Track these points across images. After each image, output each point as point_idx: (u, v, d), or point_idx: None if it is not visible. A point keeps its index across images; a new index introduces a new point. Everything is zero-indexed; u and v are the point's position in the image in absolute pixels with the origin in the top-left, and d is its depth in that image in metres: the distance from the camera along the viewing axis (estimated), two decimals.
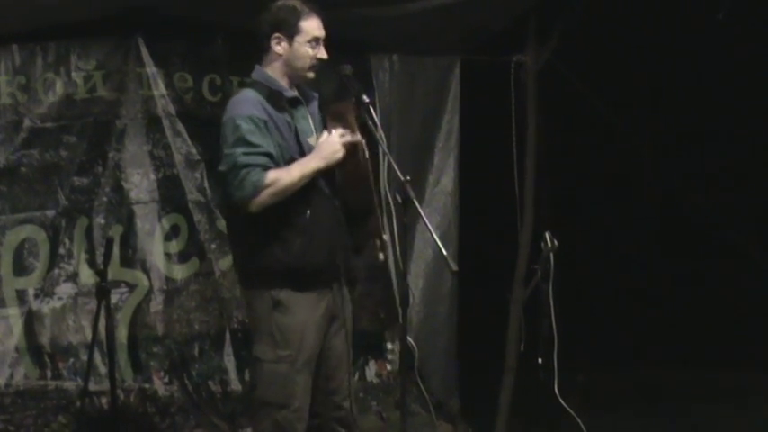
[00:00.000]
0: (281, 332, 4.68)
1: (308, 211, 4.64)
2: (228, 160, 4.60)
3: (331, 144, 4.63)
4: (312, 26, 4.72)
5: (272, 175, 4.53)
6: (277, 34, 4.72)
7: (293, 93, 4.76)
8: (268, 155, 4.57)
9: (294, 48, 4.72)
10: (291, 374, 4.68)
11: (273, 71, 4.77)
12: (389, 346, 4.78)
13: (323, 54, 4.75)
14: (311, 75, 4.78)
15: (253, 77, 4.83)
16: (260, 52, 4.86)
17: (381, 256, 4.86)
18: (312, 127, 4.80)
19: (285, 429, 4.69)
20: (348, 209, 4.76)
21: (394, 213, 4.82)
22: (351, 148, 4.65)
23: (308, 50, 4.71)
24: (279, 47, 4.73)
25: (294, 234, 4.64)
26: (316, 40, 4.72)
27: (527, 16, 6.83)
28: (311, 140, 4.74)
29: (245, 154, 4.55)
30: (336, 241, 4.75)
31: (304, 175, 4.59)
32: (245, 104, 4.69)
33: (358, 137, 4.71)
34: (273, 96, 4.70)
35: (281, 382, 4.69)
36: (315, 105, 4.87)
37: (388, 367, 4.80)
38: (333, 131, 4.66)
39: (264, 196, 4.53)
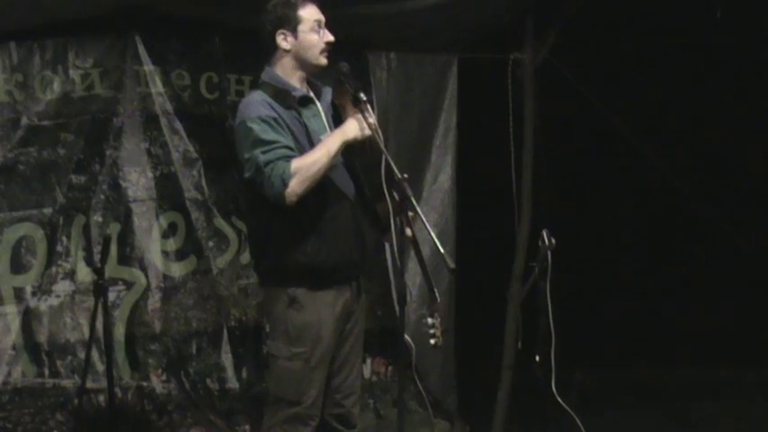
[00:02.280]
0: (296, 329, 4.69)
1: (323, 210, 4.65)
2: (251, 164, 4.59)
3: (359, 121, 4.62)
4: (311, 12, 4.72)
5: (296, 162, 4.52)
6: (281, 30, 4.71)
7: (302, 91, 4.75)
8: (287, 147, 4.57)
9: (300, 38, 4.71)
10: (305, 372, 4.69)
11: (283, 69, 4.76)
12: (430, 321, 4.76)
13: (329, 37, 4.73)
14: (324, 60, 4.74)
15: (261, 78, 4.82)
16: (267, 54, 4.83)
17: (408, 231, 4.83)
18: (325, 123, 4.79)
19: (297, 426, 4.71)
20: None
21: (392, 211, 4.80)
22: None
23: (315, 36, 4.71)
24: (285, 42, 4.72)
25: (309, 233, 4.64)
26: (318, 24, 4.72)
27: (524, 14, 6.83)
28: (324, 137, 4.72)
29: (264, 152, 4.55)
30: (353, 240, 4.75)
31: (330, 152, 4.56)
32: (253, 106, 4.68)
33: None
34: (280, 95, 4.69)
35: (295, 379, 4.70)
36: (327, 99, 4.86)
37: (432, 342, 4.78)
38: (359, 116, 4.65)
39: (295, 185, 4.51)
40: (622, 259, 8.84)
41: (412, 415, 6.64)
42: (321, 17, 4.73)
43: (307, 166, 4.53)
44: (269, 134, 4.58)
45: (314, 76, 4.84)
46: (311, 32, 4.70)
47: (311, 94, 4.80)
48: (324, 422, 4.85)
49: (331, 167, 4.64)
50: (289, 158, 4.53)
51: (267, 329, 4.87)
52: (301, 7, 4.71)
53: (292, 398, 4.71)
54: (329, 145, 4.58)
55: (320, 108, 4.80)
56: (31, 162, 6.09)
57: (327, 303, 4.72)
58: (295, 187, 4.51)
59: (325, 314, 4.72)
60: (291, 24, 4.70)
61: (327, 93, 4.88)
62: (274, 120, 4.61)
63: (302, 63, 4.74)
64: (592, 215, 8.70)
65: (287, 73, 4.75)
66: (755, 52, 8.07)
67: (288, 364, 4.72)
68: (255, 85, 4.92)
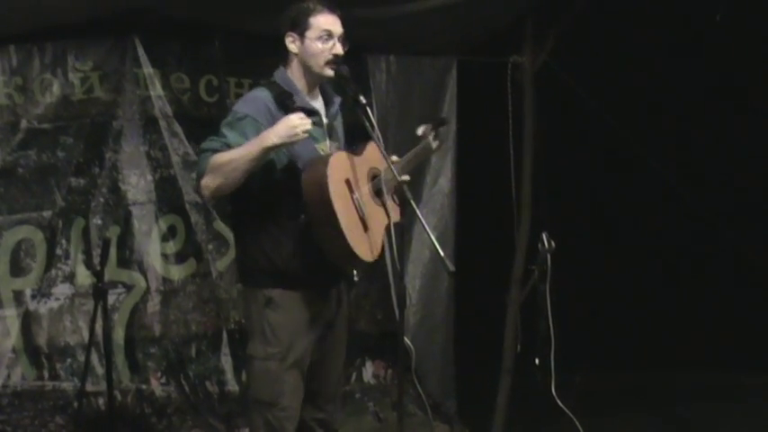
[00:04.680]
0: (272, 329, 4.68)
1: (303, 216, 4.64)
2: None
3: (286, 123, 4.52)
4: (321, 21, 4.70)
5: (213, 158, 4.51)
6: (290, 33, 4.72)
7: (304, 100, 4.73)
8: (228, 145, 4.54)
9: (306, 45, 4.70)
10: (280, 372, 4.68)
11: (292, 72, 4.76)
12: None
13: (337, 49, 4.70)
14: (329, 71, 4.71)
15: (273, 76, 4.81)
16: (277, 56, 4.83)
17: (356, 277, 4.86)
18: (325, 132, 4.78)
19: (275, 428, 4.69)
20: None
21: (391, 215, 4.81)
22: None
23: (319, 45, 4.68)
24: (293, 45, 4.72)
25: (287, 237, 4.64)
26: (327, 34, 4.68)
27: (524, 17, 6.83)
28: (319, 147, 4.72)
29: (210, 140, 4.59)
30: None
31: (250, 153, 4.48)
32: (245, 102, 4.74)
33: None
34: (282, 95, 4.70)
35: (271, 380, 4.69)
36: (334, 108, 4.84)
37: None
38: (293, 114, 4.58)
39: (208, 180, 4.52)
40: (621, 261, 8.84)
41: (411, 418, 6.65)
42: (333, 28, 4.70)
43: (220, 163, 4.50)
44: (229, 128, 4.59)
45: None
46: (317, 41, 4.68)
47: (314, 105, 4.77)
48: (306, 426, 4.84)
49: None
50: (217, 152, 4.53)
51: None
52: (315, 14, 4.69)
53: (269, 399, 4.69)
54: (249, 147, 4.52)
55: (323, 117, 4.78)
56: (31, 165, 6.09)
57: (302, 305, 4.71)
58: (207, 181, 4.53)
59: (300, 316, 4.70)
60: (300, 29, 4.69)
61: (335, 102, 4.86)
62: (254, 123, 4.59)
63: (307, 70, 4.73)
64: (591, 218, 8.71)
65: (296, 77, 4.75)
66: (756, 54, 8.07)
67: (263, 365, 4.70)
68: (260, 83, 4.90)
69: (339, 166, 4.62)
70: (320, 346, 4.81)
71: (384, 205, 4.75)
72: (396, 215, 4.76)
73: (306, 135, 4.52)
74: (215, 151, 4.52)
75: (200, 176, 4.55)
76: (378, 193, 4.77)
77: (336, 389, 4.95)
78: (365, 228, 4.67)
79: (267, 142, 4.48)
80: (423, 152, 5.03)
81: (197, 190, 4.62)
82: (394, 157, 4.88)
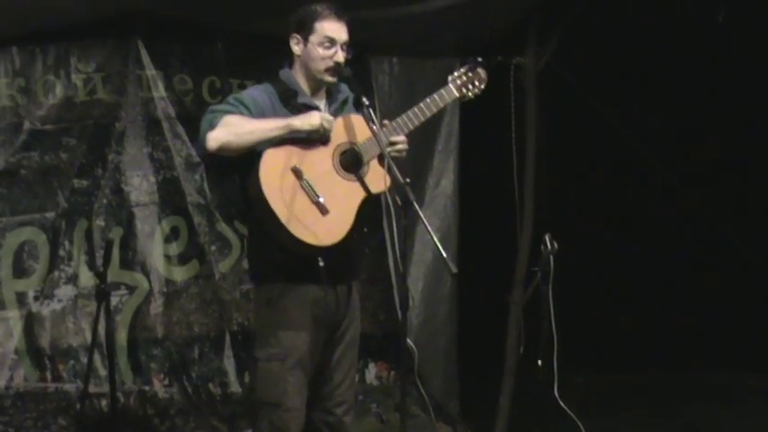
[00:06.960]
0: (272, 330, 4.70)
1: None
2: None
3: (312, 114, 4.63)
4: (326, 27, 4.71)
5: (231, 116, 4.58)
6: (295, 35, 4.75)
7: (307, 98, 4.76)
8: (239, 111, 4.61)
9: (308, 48, 4.73)
10: (282, 373, 4.68)
11: (295, 73, 4.80)
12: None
13: (339, 57, 4.71)
14: (329, 78, 4.74)
15: (279, 75, 4.84)
16: (281, 56, 4.88)
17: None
18: None
19: (280, 429, 4.69)
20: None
21: (394, 216, 4.81)
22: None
23: (320, 51, 4.70)
24: (296, 47, 4.76)
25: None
26: (330, 41, 4.70)
27: (527, 18, 6.83)
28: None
29: (218, 103, 4.67)
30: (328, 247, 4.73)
31: (269, 126, 4.57)
32: (253, 88, 4.83)
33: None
34: (287, 93, 4.73)
35: (273, 381, 4.69)
36: (336, 105, 4.84)
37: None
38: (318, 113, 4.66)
39: (219, 132, 4.54)
40: (624, 263, 8.83)
41: (414, 419, 6.65)
42: (336, 35, 4.71)
43: (238, 123, 4.57)
44: (238, 101, 4.65)
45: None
46: (319, 46, 4.70)
47: (316, 103, 4.78)
48: (315, 429, 4.84)
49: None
50: (231, 114, 4.59)
51: None
52: (321, 20, 4.71)
53: (273, 400, 4.69)
54: (273, 121, 4.60)
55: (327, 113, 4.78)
56: (34, 166, 6.10)
57: (303, 305, 4.70)
58: (218, 133, 4.55)
59: (300, 316, 4.70)
60: (305, 32, 4.72)
61: (340, 100, 4.86)
62: (256, 104, 4.65)
63: (308, 72, 4.76)
64: (594, 219, 8.70)
65: (299, 76, 4.79)
66: (757, 55, 8.06)
67: (266, 366, 4.72)
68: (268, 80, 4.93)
69: (279, 158, 4.60)
70: (329, 348, 4.81)
71: (361, 179, 4.72)
72: (379, 185, 4.73)
73: (325, 133, 4.60)
74: (225, 112, 4.58)
75: (210, 128, 4.56)
76: (348, 168, 4.72)
77: (347, 392, 4.92)
78: (323, 211, 4.63)
79: (291, 121, 4.57)
80: (435, 103, 4.96)
81: (201, 142, 4.59)
82: (385, 121, 4.85)
